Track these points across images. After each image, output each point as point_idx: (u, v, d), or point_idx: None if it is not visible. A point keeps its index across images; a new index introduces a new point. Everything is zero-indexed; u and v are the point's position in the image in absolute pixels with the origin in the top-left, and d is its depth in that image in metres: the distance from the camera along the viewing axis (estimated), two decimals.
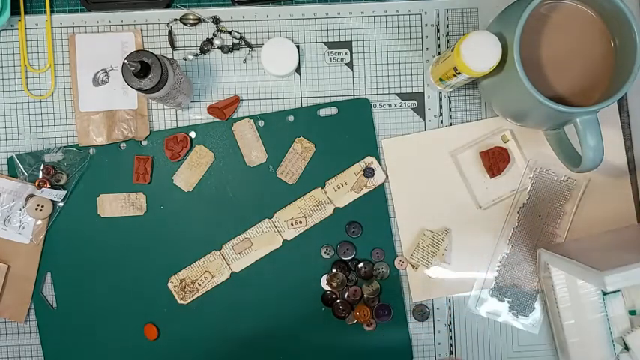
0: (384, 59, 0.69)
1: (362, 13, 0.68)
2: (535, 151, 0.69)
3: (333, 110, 0.69)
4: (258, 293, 0.68)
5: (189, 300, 0.68)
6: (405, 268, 0.69)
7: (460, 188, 0.69)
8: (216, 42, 0.68)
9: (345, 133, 0.68)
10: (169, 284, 0.68)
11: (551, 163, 0.68)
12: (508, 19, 0.57)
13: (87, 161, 0.67)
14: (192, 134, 0.68)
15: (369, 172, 0.68)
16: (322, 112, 0.68)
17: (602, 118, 0.59)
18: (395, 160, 0.68)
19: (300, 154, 0.68)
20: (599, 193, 0.69)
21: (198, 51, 0.68)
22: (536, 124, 0.62)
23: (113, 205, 0.68)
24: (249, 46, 0.68)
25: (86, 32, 0.68)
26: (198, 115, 0.68)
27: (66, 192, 0.67)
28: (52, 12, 0.68)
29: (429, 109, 0.69)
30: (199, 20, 0.68)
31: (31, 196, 0.66)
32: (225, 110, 0.67)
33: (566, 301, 0.65)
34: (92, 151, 0.68)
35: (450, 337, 0.69)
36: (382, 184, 0.68)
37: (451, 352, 0.69)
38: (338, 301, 0.68)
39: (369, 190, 0.68)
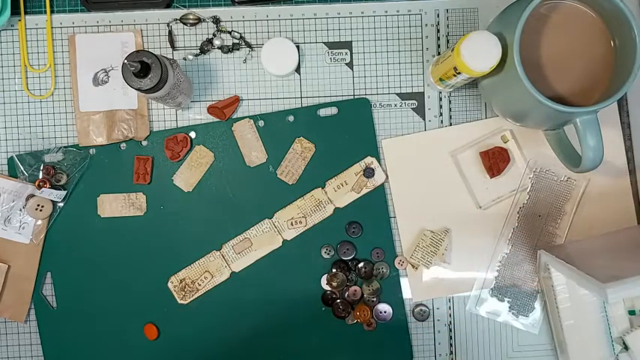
0: (384, 59, 0.69)
1: (362, 13, 0.68)
2: (535, 151, 0.69)
3: (333, 110, 0.69)
4: (258, 293, 0.68)
5: (189, 300, 0.68)
6: (405, 268, 0.69)
7: (460, 188, 0.69)
8: (216, 42, 0.68)
9: (345, 133, 0.68)
10: (169, 284, 0.68)
11: (551, 163, 0.68)
12: (508, 19, 0.57)
13: (87, 161, 0.67)
14: (192, 134, 0.68)
15: (369, 172, 0.68)
16: (322, 112, 0.68)
17: (602, 118, 0.59)
18: (395, 160, 0.68)
19: (300, 154, 0.68)
20: (599, 193, 0.69)
21: (198, 51, 0.68)
22: (536, 124, 0.62)
23: (113, 205, 0.68)
24: (249, 46, 0.68)
25: (86, 32, 0.68)
26: (198, 115, 0.68)
27: (66, 192, 0.67)
28: (52, 12, 0.68)
29: (429, 109, 0.69)
30: (199, 20, 0.68)
31: (31, 196, 0.66)
32: (225, 110, 0.67)
33: (566, 302, 0.65)
34: (92, 151, 0.68)
35: (450, 337, 0.69)
36: (382, 184, 0.68)
37: (451, 352, 0.69)
38: (338, 301, 0.68)
39: (369, 190, 0.68)
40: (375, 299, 0.68)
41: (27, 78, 0.68)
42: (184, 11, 0.68)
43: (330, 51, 0.69)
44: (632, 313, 0.65)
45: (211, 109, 0.68)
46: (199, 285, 0.68)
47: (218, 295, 0.68)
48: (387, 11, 0.69)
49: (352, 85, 0.69)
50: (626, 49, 0.56)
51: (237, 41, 0.68)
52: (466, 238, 0.69)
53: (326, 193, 0.68)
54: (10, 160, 0.67)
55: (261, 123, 0.68)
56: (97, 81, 0.67)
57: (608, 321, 0.64)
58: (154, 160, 0.68)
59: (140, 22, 0.68)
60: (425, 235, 0.68)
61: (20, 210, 0.67)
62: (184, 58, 0.68)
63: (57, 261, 0.68)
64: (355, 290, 0.68)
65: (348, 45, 0.69)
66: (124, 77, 0.56)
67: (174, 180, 0.68)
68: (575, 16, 0.59)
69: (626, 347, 0.64)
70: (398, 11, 0.69)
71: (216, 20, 0.68)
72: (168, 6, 0.69)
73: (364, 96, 0.69)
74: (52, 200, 0.66)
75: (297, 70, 0.69)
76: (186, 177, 0.68)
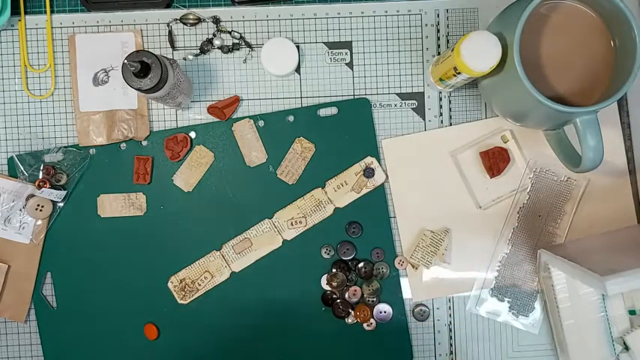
0: (384, 59, 0.69)
1: (362, 13, 0.68)
2: (535, 151, 0.69)
3: (333, 110, 0.69)
4: (258, 293, 0.68)
5: (189, 300, 0.68)
6: (405, 268, 0.68)
7: (460, 188, 0.69)
8: (216, 42, 0.68)
9: (345, 133, 0.68)
10: (169, 284, 0.68)
11: (551, 163, 0.68)
12: (508, 19, 0.57)
13: (87, 161, 0.67)
14: (192, 134, 0.68)
15: (369, 172, 0.68)
16: (322, 112, 0.68)
17: (602, 118, 0.59)
18: (395, 160, 0.68)
19: (300, 154, 0.68)
20: (599, 193, 0.69)
21: (198, 51, 0.68)
22: (536, 124, 0.62)
23: (113, 205, 0.68)
24: (249, 46, 0.68)
25: (86, 32, 0.68)
26: (198, 115, 0.68)
27: (66, 192, 0.67)
28: (52, 12, 0.68)
29: (429, 109, 0.69)
30: (199, 20, 0.68)
31: (31, 196, 0.66)
32: (225, 110, 0.67)
33: (566, 301, 0.65)
34: (92, 151, 0.68)
35: (450, 337, 0.69)
36: (382, 184, 0.68)
37: (451, 352, 0.69)
38: (338, 301, 0.68)
39: (369, 190, 0.68)
40: (375, 299, 0.68)
41: (27, 78, 0.68)
42: (184, 11, 0.68)
43: (330, 51, 0.69)
44: (632, 312, 0.65)
45: (211, 109, 0.68)
46: (199, 285, 0.68)
47: (218, 295, 0.68)
48: (387, 11, 0.69)
49: (352, 85, 0.69)
50: (626, 49, 0.56)
51: (237, 41, 0.68)
52: (466, 238, 0.69)
53: (326, 193, 0.68)
54: (10, 160, 0.67)
55: (261, 123, 0.68)
56: (97, 81, 0.67)
57: (608, 321, 0.64)
58: (154, 160, 0.68)
59: (140, 22, 0.68)
60: (425, 235, 0.68)
61: (20, 210, 0.67)
62: (184, 58, 0.68)
63: (57, 261, 0.68)
64: (355, 290, 0.68)
65: (348, 45, 0.69)
66: (124, 77, 0.56)
67: (174, 180, 0.68)
68: (575, 16, 0.59)
69: (626, 347, 0.64)
70: (398, 11, 0.69)
71: (216, 20, 0.68)
72: (168, 6, 0.69)
73: (364, 96, 0.69)
74: (52, 200, 0.66)
75: (297, 70, 0.69)
76: (186, 177, 0.68)
